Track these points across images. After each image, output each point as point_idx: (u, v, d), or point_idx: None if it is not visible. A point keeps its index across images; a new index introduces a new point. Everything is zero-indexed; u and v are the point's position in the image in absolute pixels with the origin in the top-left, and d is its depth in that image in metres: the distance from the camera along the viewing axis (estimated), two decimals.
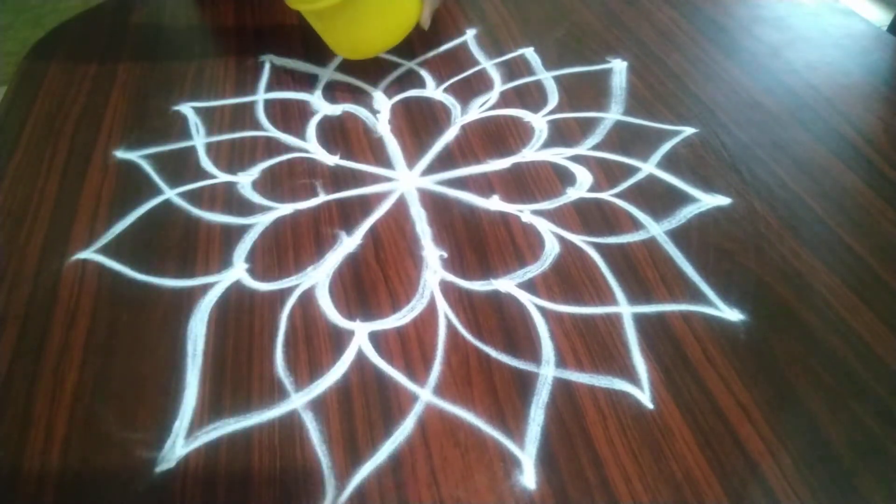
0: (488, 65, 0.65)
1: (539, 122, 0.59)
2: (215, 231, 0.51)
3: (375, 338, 0.43)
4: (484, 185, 0.53)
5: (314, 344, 0.43)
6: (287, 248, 0.49)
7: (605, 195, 0.51)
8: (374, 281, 0.46)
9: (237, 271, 0.48)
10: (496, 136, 0.57)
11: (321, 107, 0.62)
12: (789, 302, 0.43)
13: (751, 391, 0.39)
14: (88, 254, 0.49)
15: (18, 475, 0.38)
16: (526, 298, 0.45)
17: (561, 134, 0.57)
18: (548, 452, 0.37)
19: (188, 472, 0.37)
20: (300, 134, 0.59)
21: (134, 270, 0.48)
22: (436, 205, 0.52)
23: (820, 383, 0.39)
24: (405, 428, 0.39)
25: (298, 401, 0.40)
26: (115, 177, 0.56)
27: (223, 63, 0.67)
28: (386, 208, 0.52)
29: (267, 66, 0.66)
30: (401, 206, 0.52)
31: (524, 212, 0.51)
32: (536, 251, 0.48)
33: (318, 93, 0.63)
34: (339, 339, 0.43)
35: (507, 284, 0.46)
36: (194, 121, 0.61)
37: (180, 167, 0.56)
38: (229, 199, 0.53)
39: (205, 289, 0.46)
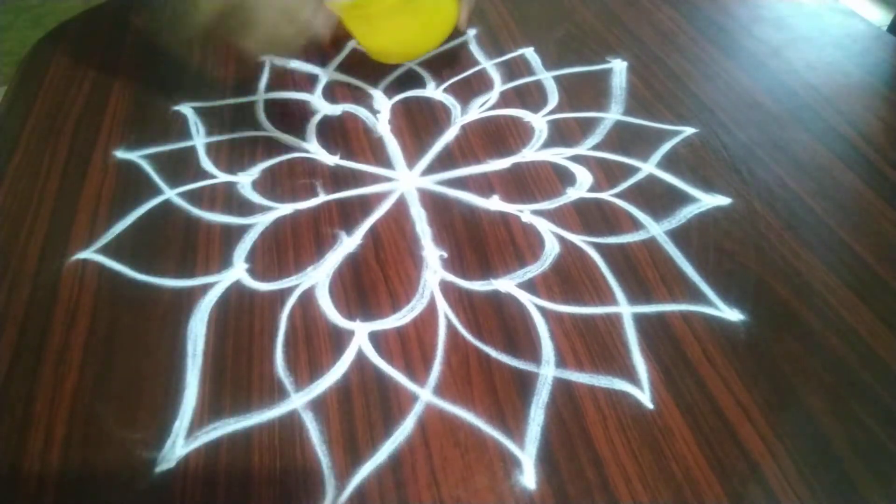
0: (488, 65, 0.65)
1: (539, 122, 0.59)
2: (215, 231, 0.51)
3: (375, 338, 0.43)
4: (484, 185, 0.53)
5: (314, 344, 0.43)
6: (287, 248, 0.49)
7: (605, 195, 0.51)
8: (374, 281, 0.46)
9: (237, 271, 0.48)
10: (496, 136, 0.57)
11: (321, 107, 0.62)
12: (789, 302, 0.43)
13: (751, 391, 0.39)
14: (88, 254, 0.49)
15: (18, 475, 0.38)
16: (526, 298, 0.45)
17: (561, 134, 0.57)
18: (548, 452, 0.37)
19: (188, 472, 0.37)
20: (300, 134, 0.59)
21: (134, 270, 0.48)
22: (436, 205, 0.52)
23: (820, 383, 0.39)
24: (405, 428, 0.39)
25: (298, 401, 0.40)
26: (115, 177, 0.56)
27: (223, 63, 0.67)
28: (386, 208, 0.52)
29: (267, 66, 0.66)
30: (401, 206, 0.52)
31: (524, 212, 0.51)
32: (536, 251, 0.48)
33: (318, 93, 0.63)
34: (339, 339, 0.43)
35: (507, 284, 0.46)
36: (194, 121, 0.61)
37: (180, 167, 0.56)
38: (229, 199, 0.53)
39: (205, 289, 0.46)
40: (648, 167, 0.53)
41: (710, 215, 0.49)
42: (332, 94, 0.63)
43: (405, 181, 0.54)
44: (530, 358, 0.41)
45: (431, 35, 0.61)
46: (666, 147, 0.55)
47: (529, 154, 0.56)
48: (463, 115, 0.60)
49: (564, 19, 0.70)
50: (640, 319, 0.43)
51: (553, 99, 0.61)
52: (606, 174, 0.53)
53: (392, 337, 0.43)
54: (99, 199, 0.54)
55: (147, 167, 0.56)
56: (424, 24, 0.59)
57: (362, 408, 0.40)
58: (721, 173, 0.52)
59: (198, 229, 0.51)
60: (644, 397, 0.39)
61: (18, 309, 0.46)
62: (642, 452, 0.37)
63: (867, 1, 1.76)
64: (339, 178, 0.55)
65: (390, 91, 0.63)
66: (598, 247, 0.48)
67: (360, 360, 0.42)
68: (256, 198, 0.53)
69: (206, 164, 0.56)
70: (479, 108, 0.60)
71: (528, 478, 0.36)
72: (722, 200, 0.50)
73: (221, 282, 0.47)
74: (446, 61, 0.66)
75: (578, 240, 0.48)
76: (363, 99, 0.62)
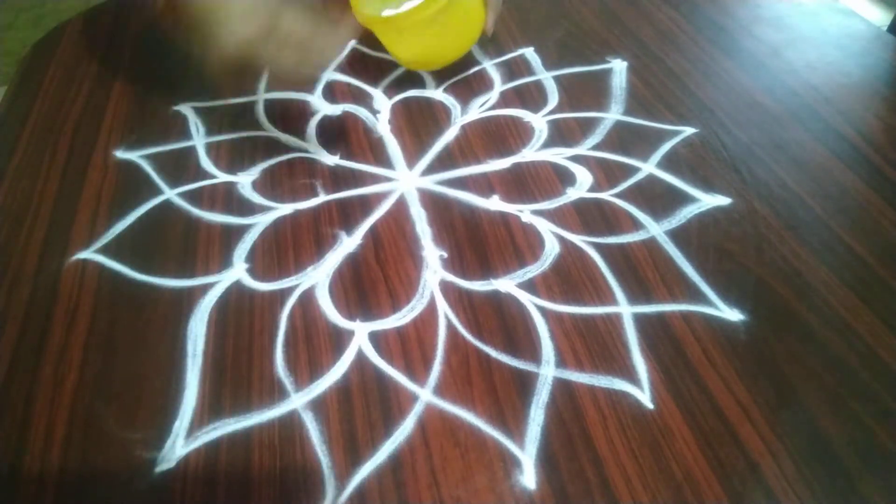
0: (488, 65, 0.65)
1: (539, 122, 0.59)
2: (215, 231, 0.51)
3: (375, 338, 0.43)
4: (484, 185, 0.53)
5: (314, 344, 0.43)
6: (287, 248, 0.49)
7: (605, 195, 0.51)
8: (374, 281, 0.46)
9: (237, 271, 0.48)
10: (496, 136, 0.57)
11: (321, 107, 0.62)
12: (789, 302, 0.43)
13: (751, 391, 0.39)
14: (88, 254, 0.49)
15: (18, 475, 0.38)
16: (526, 298, 0.45)
17: (561, 134, 0.57)
18: (548, 452, 0.37)
19: (188, 472, 0.37)
20: (300, 134, 0.59)
21: (134, 270, 0.48)
22: (436, 205, 0.52)
23: (820, 383, 0.39)
24: (405, 428, 0.39)
25: (298, 401, 0.40)
26: (115, 177, 0.56)
27: (223, 63, 0.67)
28: (386, 208, 0.52)
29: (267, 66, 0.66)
30: (401, 206, 0.52)
31: (524, 212, 0.51)
32: (536, 251, 0.48)
33: (318, 93, 0.63)
34: (339, 339, 0.43)
35: (507, 284, 0.46)
36: (194, 121, 0.61)
37: (180, 167, 0.56)
38: (229, 199, 0.53)
39: (205, 289, 0.46)
40: (648, 167, 0.53)
41: (710, 215, 0.49)
42: (332, 94, 0.63)
43: (405, 181, 0.54)
44: (530, 358, 0.41)
45: (461, 43, 0.61)
46: (666, 147, 0.55)
47: (529, 154, 0.56)
48: (463, 115, 0.60)
49: (564, 19, 0.70)
50: (640, 319, 0.43)
51: (553, 99, 0.61)
52: (606, 174, 0.53)
53: (392, 337, 0.43)
54: (99, 199, 0.54)
55: (147, 167, 0.56)
56: (455, 33, 0.59)
57: (362, 408, 0.40)
58: (721, 173, 0.52)
59: (198, 229, 0.51)
60: (644, 397, 0.39)
61: (18, 309, 0.46)
62: (642, 452, 0.37)
63: (867, 1, 1.76)
64: (339, 178, 0.55)
65: (390, 91, 0.63)
66: (598, 247, 0.48)
67: (360, 360, 0.42)
68: (256, 198, 0.53)
69: (206, 164, 0.56)
70: (479, 108, 0.60)
71: (528, 478, 0.36)
72: (722, 200, 0.50)
73: (221, 282, 0.47)
74: None
75: (578, 240, 0.48)
76: (363, 99, 0.62)
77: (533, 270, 0.46)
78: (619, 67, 0.63)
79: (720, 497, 0.35)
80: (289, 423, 0.39)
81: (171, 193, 0.54)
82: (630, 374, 0.40)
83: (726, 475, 0.36)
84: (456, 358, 0.42)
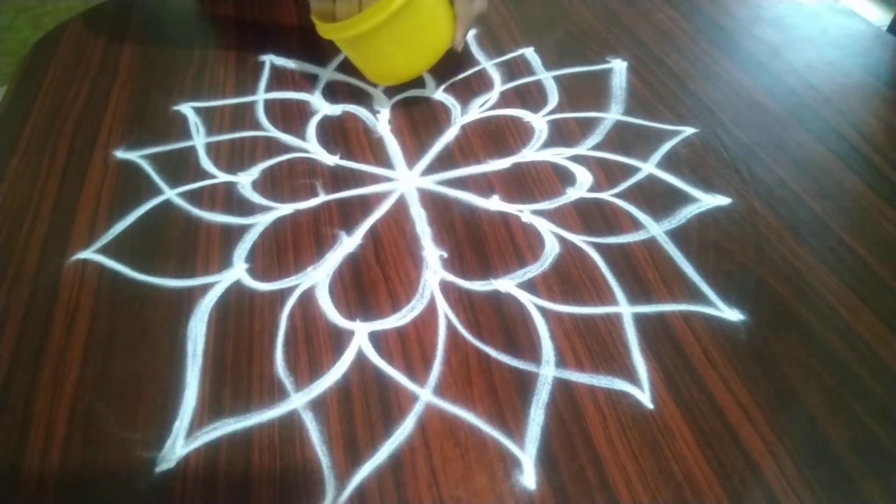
0: (488, 65, 0.65)
1: (539, 122, 0.59)
2: (215, 231, 0.51)
3: (375, 338, 0.43)
4: (484, 185, 0.53)
5: (314, 344, 0.43)
6: (287, 248, 0.49)
7: (605, 195, 0.51)
8: (374, 281, 0.46)
9: (237, 271, 0.48)
10: (496, 136, 0.57)
11: (321, 107, 0.62)
12: (789, 302, 0.43)
13: (751, 391, 0.39)
14: (88, 254, 0.49)
15: (18, 475, 0.38)
16: (526, 298, 0.45)
17: (561, 134, 0.57)
18: (548, 452, 0.37)
19: (188, 472, 0.37)
20: (300, 134, 0.59)
21: (134, 270, 0.48)
22: (436, 205, 0.52)
23: (820, 383, 0.39)
24: (405, 428, 0.39)
25: (298, 401, 0.40)
26: (115, 177, 0.56)
27: (223, 63, 0.67)
28: (386, 208, 0.52)
29: (267, 66, 0.66)
30: (401, 206, 0.52)
31: (524, 212, 0.51)
32: (536, 251, 0.48)
33: (318, 93, 0.63)
34: (339, 339, 0.43)
35: (507, 284, 0.46)
36: (194, 121, 0.61)
37: (180, 167, 0.56)
38: (229, 199, 0.53)
39: (205, 289, 0.46)
40: (648, 167, 0.53)
41: (710, 215, 0.49)
42: (332, 94, 0.63)
43: (405, 181, 0.54)
44: (530, 358, 0.41)
45: (421, 57, 0.58)
46: (666, 147, 0.55)
47: (529, 154, 0.56)
48: (463, 115, 0.60)
49: (564, 19, 0.70)
50: (640, 319, 0.43)
51: (553, 99, 0.61)
52: (606, 174, 0.53)
53: (392, 337, 0.43)
54: (99, 199, 0.54)
55: (147, 167, 0.56)
56: (412, 45, 0.57)
57: (362, 408, 0.40)
58: (721, 173, 0.52)
59: (198, 229, 0.51)
60: (644, 397, 0.39)
61: (18, 309, 0.46)
62: (642, 452, 0.37)
63: (867, 1, 1.76)
64: (339, 178, 0.55)
65: (390, 91, 0.63)
66: (598, 247, 0.48)
67: (360, 360, 0.42)
68: (256, 198, 0.53)
69: (206, 164, 0.56)
70: (479, 108, 0.60)
71: (528, 478, 0.36)
72: (722, 200, 0.50)
73: (221, 282, 0.47)
74: (446, 61, 0.66)
75: (578, 240, 0.48)
76: (363, 99, 0.62)
77: (533, 270, 0.46)
78: (619, 67, 0.63)
79: (720, 497, 0.35)
80: (289, 423, 0.39)
81: (171, 193, 0.54)
82: (630, 374, 0.40)
83: (726, 475, 0.36)
84: (456, 358, 0.42)
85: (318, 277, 0.47)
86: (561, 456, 0.37)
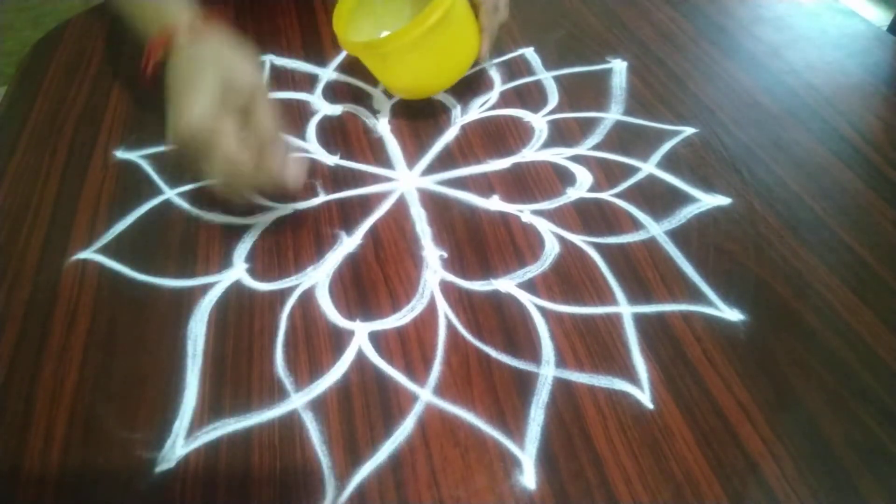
0: (488, 65, 0.65)
1: (539, 122, 0.59)
2: (215, 231, 0.51)
3: (375, 338, 0.43)
4: (484, 185, 0.53)
5: (314, 344, 0.43)
6: (287, 248, 0.49)
7: (605, 195, 0.51)
8: (374, 281, 0.46)
9: (237, 271, 0.48)
10: (496, 136, 0.57)
11: (321, 107, 0.62)
12: (789, 302, 0.43)
13: (751, 391, 0.39)
14: (88, 254, 0.49)
15: (18, 475, 0.38)
16: (526, 298, 0.45)
17: (561, 134, 0.57)
18: (548, 452, 0.37)
19: (188, 472, 0.37)
20: (300, 134, 0.59)
21: (134, 270, 0.48)
22: (436, 205, 0.52)
23: (820, 383, 0.39)
24: (405, 428, 0.39)
25: (298, 401, 0.40)
26: (115, 177, 0.56)
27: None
28: (386, 208, 0.52)
29: (267, 66, 0.66)
30: (401, 206, 0.52)
31: (524, 212, 0.51)
32: (536, 251, 0.48)
33: (318, 93, 0.63)
34: (339, 339, 0.43)
35: (507, 284, 0.46)
36: None
37: (180, 167, 0.56)
38: (229, 199, 0.53)
39: (205, 289, 0.46)
40: (648, 167, 0.53)
41: (710, 215, 0.49)
42: (332, 94, 0.63)
43: (405, 181, 0.54)
44: (530, 358, 0.41)
45: (450, 71, 0.58)
46: (666, 147, 0.55)
47: (529, 154, 0.56)
48: (463, 115, 0.60)
49: (564, 19, 0.70)
50: (640, 319, 0.43)
51: (553, 99, 0.61)
52: (606, 174, 0.53)
53: (392, 337, 0.43)
54: (99, 199, 0.54)
55: (147, 167, 0.56)
56: (442, 60, 0.57)
57: (362, 408, 0.40)
58: (721, 173, 0.52)
59: (198, 229, 0.51)
60: (644, 397, 0.39)
61: (18, 309, 0.46)
62: (642, 452, 0.37)
63: (867, 1, 1.76)
64: (339, 178, 0.55)
65: (390, 91, 0.63)
66: (598, 247, 0.48)
67: (360, 360, 0.42)
68: (256, 198, 0.53)
69: None
70: (479, 108, 0.60)
71: (528, 478, 0.36)
72: (722, 200, 0.50)
73: (221, 282, 0.47)
74: None
75: (578, 240, 0.48)
76: (363, 99, 0.62)
77: (533, 270, 0.46)
78: (619, 67, 0.63)
79: (720, 497, 0.35)
80: (289, 423, 0.39)
81: (171, 193, 0.54)
82: (630, 374, 0.40)
83: (726, 475, 0.36)
84: (456, 358, 0.42)
85: (318, 277, 0.47)
86: (561, 456, 0.37)
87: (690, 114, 0.58)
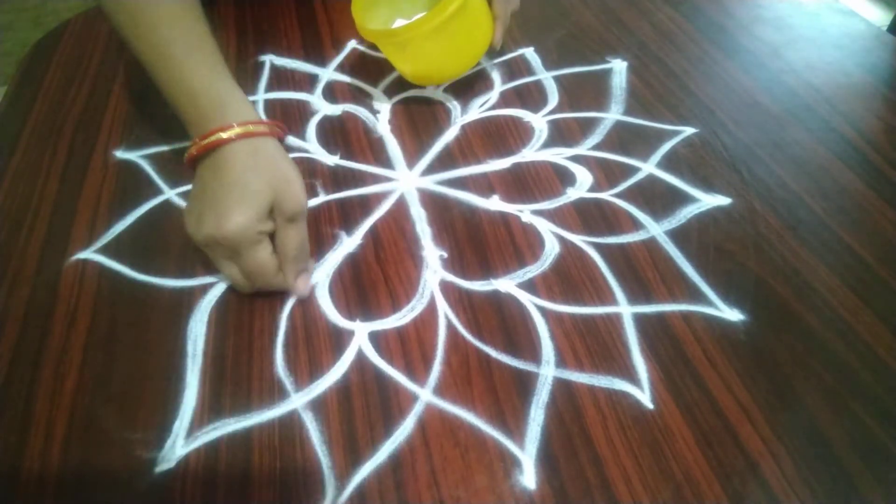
0: (488, 65, 0.65)
1: (539, 122, 0.59)
2: None
3: (375, 338, 0.43)
4: (484, 185, 0.53)
5: (314, 344, 0.43)
6: None
7: (605, 195, 0.51)
8: (374, 281, 0.46)
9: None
10: (496, 136, 0.57)
11: (321, 107, 0.62)
12: (789, 302, 0.43)
13: (751, 391, 0.39)
14: (88, 254, 0.49)
15: (18, 475, 0.38)
16: (526, 298, 0.45)
17: (561, 134, 0.57)
18: (548, 452, 0.37)
19: (188, 472, 0.37)
20: (300, 134, 0.59)
21: (134, 270, 0.48)
22: (436, 205, 0.52)
23: (820, 383, 0.39)
24: (405, 428, 0.39)
25: (298, 401, 0.40)
26: (115, 177, 0.55)
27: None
28: (386, 208, 0.52)
29: (267, 66, 0.66)
30: (401, 206, 0.52)
31: (524, 212, 0.51)
32: (536, 251, 0.48)
33: (318, 93, 0.63)
34: (339, 339, 0.43)
35: (507, 284, 0.46)
36: None
37: (180, 167, 0.56)
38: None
39: (205, 289, 0.46)
40: (648, 167, 0.53)
41: (710, 215, 0.49)
42: (332, 94, 0.63)
43: (405, 181, 0.54)
44: (530, 358, 0.41)
45: (467, 57, 0.59)
46: (666, 147, 0.55)
47: (529, 154, 0.56)
48: (463, 115, 0.60)
49: (564, 19, 0.70)
50: (640, 319, 0.43)
51: (553, 99, 0.61)
52: (606, 174, 0.53)
53: (392, 337, 0.43)
54: (99, 199, 0.54)
55: (147, 167, 0.56)
56: (460, 47, 0.58)
57: (362, 408, 0.40)
58: (721, 173, 0.52)
59: None
60: (644, 397, 0.39)
61: (18, 309, 0.46)
62: (642, 452, 0.37)
63: (867, 1, 1.76)
64: (339, 178, 0.55)
65: (390, 91, 0.63)
66: (598, 247, 0.48)
67: (360, 360, 0.42)
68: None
69: None
70: (479, 108, 0.60)
71: (528, 478, 0.36)
72: (722, 200, 0.50)
73: (221, 282, 0.47)
74: None
75: (578, 240, 0.48)
76: (363, 99, 0.62)
77: (533, 270, 0.46)
78: (619, 67, 0.63)
79: (720, 497, 0.35)
80: (289, 423, 0.39)
81: (171, 193, 0.54)
82: (630, 374, 0.40)
83: (726, 475, 0.36)
84: (456, 358, 0.42)
85: (318, 277, 0.47)
86: (561, 456, 0.37)
87: (690, 114, 0.58)
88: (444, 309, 0.44)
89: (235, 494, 0.36)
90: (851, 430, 0.37)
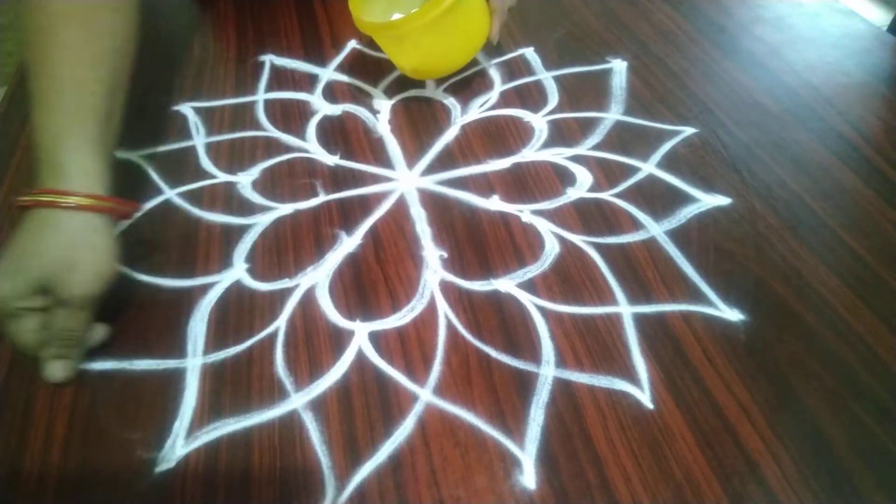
0: (488, 65, 0.65)
1: (539, 122, 0.59)
2: (215, 231, 0.51)
3: (375, 338, 0.43)
4: (484, 185, 0.53)
5: (314, 344, 0.43)
6: (287, 248, 0.49)
7: (605, 195, 0.51)
8: (374, 281, 0.46)
9: (237, 271, 0.48)
10: (496, 136, 0.57)
11: (321, 107, 0.62)
12: (789, 302, 0.43)
13: (751, 391, 0.39)
14: None
15: (18, 475, 0.38)
16: (526, 298, 0.45)
17: (561, 134, 0.57)
18: (548, 452, 0.37)
19: (188, 472, 0.37)
20: (300, 134, 0.59)
21: (134, 270, 0.48)
22: (436, 205, 0.52)
23: (820, 383, 0.39)
24: (405, 428, 0.39)
25: (298, 401, 0.40)
26: (115, 177, 0.55)
27: (223, 63, 0.67)
28: (386, 208, 0.52)
29: (267, 66, 0.66)
30: (401, 206, 0.52)
31: (524, 212, 0.51)
32: (536, 251, 0.48)
33: (318, 93, 0.63)
34: (339, 339, 0.43)
35: (507, 284, 0.46)
36: (194, 121, 0.61)
37: (180, 167, 0.56)
38: (229, 199, 0.53)
39: (205, 289, 0.46)
40: (648, 167, 0.53)
41: (710, 215, 0.49)
42: (332, 94, 0.63)
43: (405, 181, 0.54)
44: (530, 358, 0.41)
45: (464, 51, 0.60)
46: (666, 147, 0.55)
47: (529, 154, 0.56)
48: (463, 115, 0.60)
49: (564, 19, 0.70)
50: (640, 319, 0.43)
51: (553, 99, 0.61)
52: (606, 174, 0.53)
53: (392, 337, 0.43)
54: None
55: (147, 167, 0.56)
56: (457, 41, 0.58)
57: (362, 408, 0.40)
58: (721, 173, 0.52)
59: (198, 229, 0.51)
60: (644, 397, 0.39)
61: None
62: (642, 452, 0.37)
63: (867, 1, 1.76)
64: (339, 178, 0.55)
65: (390, 91, 0.63)
66: (598, 247, 0.48)
67: (360, 360, 0.42)
68: (256, 198, 0.53)
69: (206, 164, 0.56)
70: (479, 108, 0.60)
71: (528, 478, 0.36)
72: (722, 200, 0.50)
73: (221, 282, 0.47)
74: None
75: (578, 240, 0.48)
76: (363, 99, 0.62)
77: (533, 270, 0.46)
78: (619, 67, 0.63)
79: (720, 497, 0.35)
80: (289, 423, 0.39)
81: (171, 193, 0.54)
82: (630, 374, 0.40)
83: (726, 475, 0.36)
84: (456, 358, 0.42)
85: (318, 277, 0.47)
86: (561, 456, 0.37)
87: (690, 114, 0.58)
88: (444, 309, 0.44)
89: (235, 494, 0.36)
90: (851, 430, 0.37)
